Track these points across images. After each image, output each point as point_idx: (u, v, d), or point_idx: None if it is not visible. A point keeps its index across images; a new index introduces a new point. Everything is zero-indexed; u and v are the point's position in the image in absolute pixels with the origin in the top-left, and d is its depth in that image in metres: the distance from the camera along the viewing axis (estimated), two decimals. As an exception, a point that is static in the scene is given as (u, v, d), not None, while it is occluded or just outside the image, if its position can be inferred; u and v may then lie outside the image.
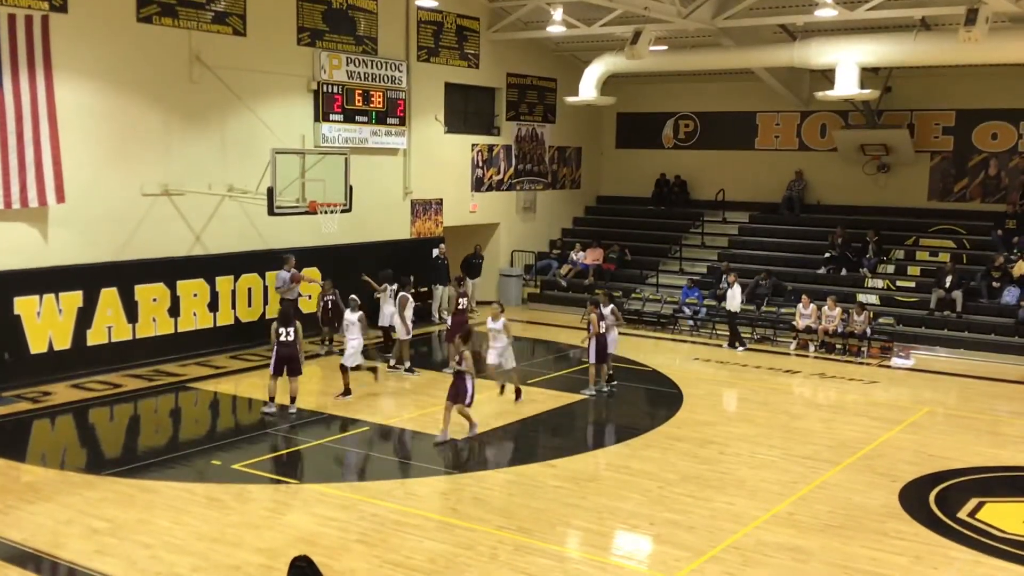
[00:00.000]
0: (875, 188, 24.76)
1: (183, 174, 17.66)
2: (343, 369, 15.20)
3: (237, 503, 10.86)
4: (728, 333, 20.74)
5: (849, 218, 24.25)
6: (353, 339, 15.18)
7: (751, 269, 22.87)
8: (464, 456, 12.89)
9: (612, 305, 16.64)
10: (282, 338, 14.22)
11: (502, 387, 15.56)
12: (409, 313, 17.22)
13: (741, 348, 20.36)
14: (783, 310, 21.33)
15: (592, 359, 15.95)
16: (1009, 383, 17.82)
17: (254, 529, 10.04)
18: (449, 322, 17.38)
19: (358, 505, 10.76)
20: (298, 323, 14.49)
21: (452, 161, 23.82)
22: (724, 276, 21.43)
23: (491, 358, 15.38)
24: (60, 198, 15.73)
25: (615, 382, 16.56)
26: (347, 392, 15.18)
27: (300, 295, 19.00)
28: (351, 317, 15.28)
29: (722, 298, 20.98)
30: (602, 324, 15.95)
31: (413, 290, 18.40)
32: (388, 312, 18.30)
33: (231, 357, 18.07)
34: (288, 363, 14.29)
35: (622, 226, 27.15)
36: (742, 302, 20.82)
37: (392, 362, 17.45)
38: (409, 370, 17.15)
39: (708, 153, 27.22)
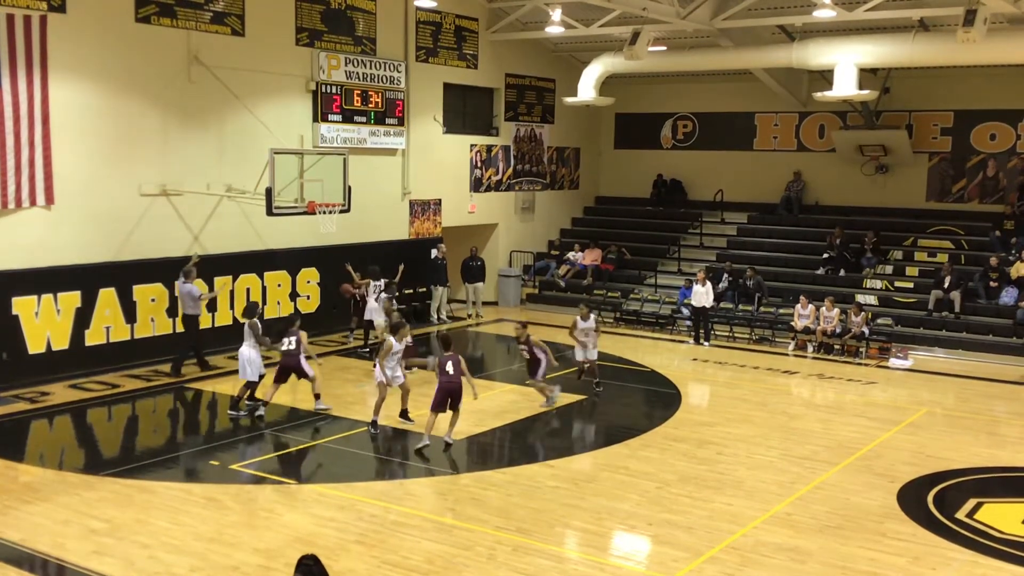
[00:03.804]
0: (873, 189, 24.77)
1: (181, 174, 17.65)
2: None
3: (235, 503, 10.86)
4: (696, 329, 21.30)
5: (847, 219, 24.26)
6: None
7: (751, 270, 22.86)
8: (453, 455, 12.89)
9: (594, 315, 16.55)
10: (284, 347, 14.22)
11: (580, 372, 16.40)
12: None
13: (693, 342, 20.94)
14: (781, 311, 21.34)
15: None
16: (1007, 383, 17.83)
17: (252, 529, 10.04)
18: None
19: (356, 505, 10.76)
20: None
21: (451, 161, 23.82)
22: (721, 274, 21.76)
23: (578, 355, 16.25)
24: (49, 199, 15.75)
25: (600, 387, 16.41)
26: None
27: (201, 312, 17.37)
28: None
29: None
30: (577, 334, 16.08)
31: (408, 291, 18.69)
32: (372, 307, 18.48)
33: (229, 357, 18.02)
34: (294, 371, 14.31)
35: (620, 227, 27.15)
36: (724, 298, 21.79)
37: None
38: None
39: (706, 154, 27.22)
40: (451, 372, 12.94)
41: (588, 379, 16.39)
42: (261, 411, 14.35)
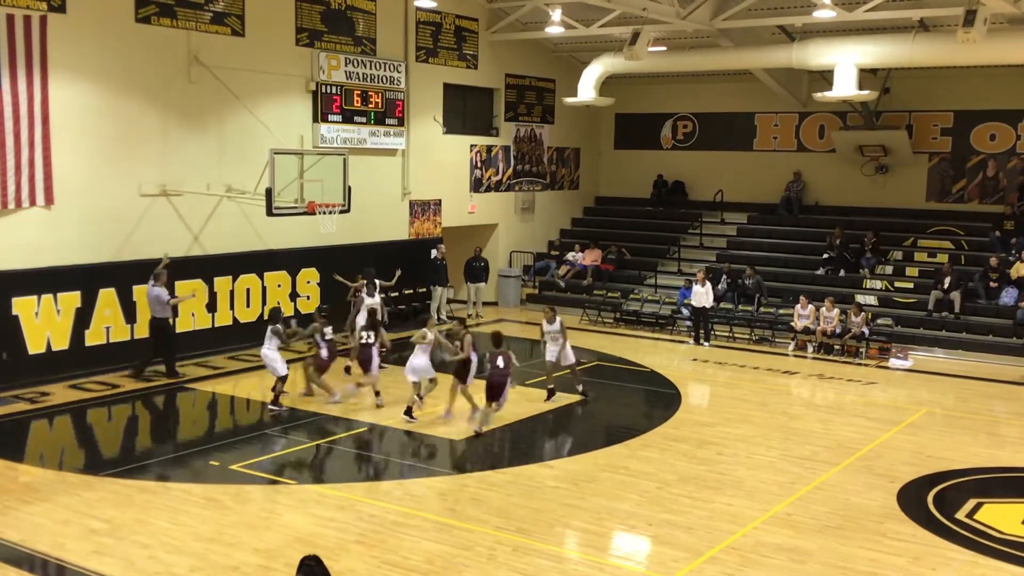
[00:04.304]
0: (873, 189, 24.77)
1: (181, 174, 17.65)
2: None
3: (235, 503, 10.86)
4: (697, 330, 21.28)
5: (847, 219, 24.26)
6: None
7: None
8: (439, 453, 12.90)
9: (559, 319, 16.00)
10: (363, 340, 15.09)
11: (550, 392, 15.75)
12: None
13: (693, 342, 21.03)
14: (781, 311, 21.35)
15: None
16: (1007, 384, 17.83)
17: (252, 530, 10.03)
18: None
19: (356, 505, 10.76)
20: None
21: (451, 162, 23.82)
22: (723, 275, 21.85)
23: (547, 355, 15.89)
24: (49, 199, 15.75)
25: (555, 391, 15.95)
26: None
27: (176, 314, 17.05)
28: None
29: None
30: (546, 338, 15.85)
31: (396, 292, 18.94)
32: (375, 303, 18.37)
33: (229, 358, 18.05)
34: (361, 363, 15.23)
35: (620, 227, 27.15)
36: (723, 299, 21.95)
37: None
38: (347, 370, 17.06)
39: (706, 154, 27.22)
40: (501, 366, 13.78)
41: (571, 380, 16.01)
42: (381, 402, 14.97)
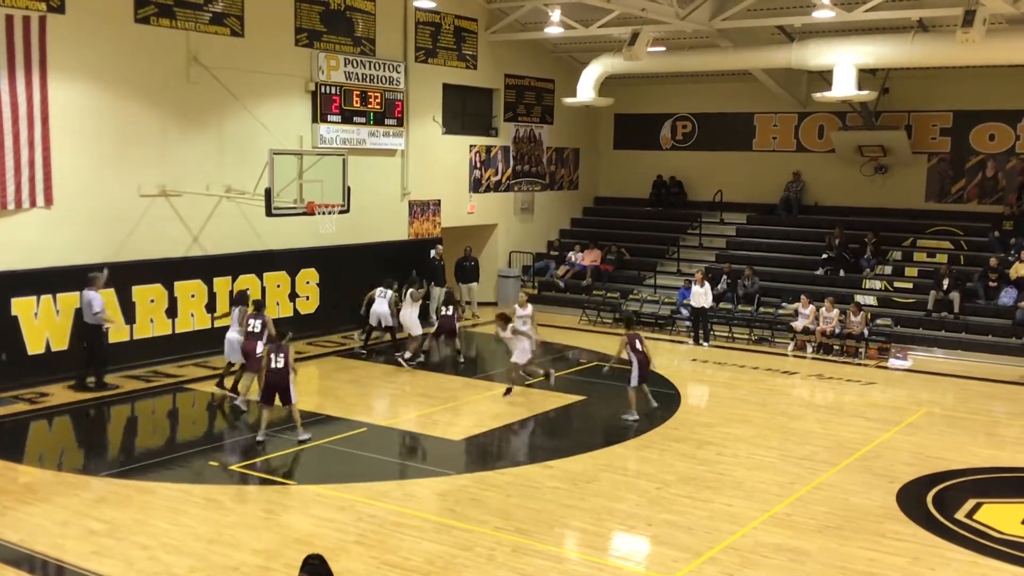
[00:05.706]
0: (873, 189, 24.78)
1: (181, 175, 17.65)
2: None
3: (235, 504, 10.86)
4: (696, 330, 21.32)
5: (847, 219, 24.26)
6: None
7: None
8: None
9: (530, 307, 16.49)
10: (272, 364, 12.91)
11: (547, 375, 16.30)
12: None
13: (692, 342, 21.10)
14: (780, 311, 21.35)
15: (635, 382, 14.89)
16: (1006, 384, 17.84)
17: (251, 530, 10.03)
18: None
19: (356, 506, 10.76)
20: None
21: (450, 162, 23.82)
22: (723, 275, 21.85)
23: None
24: (49, 200, 15.73)
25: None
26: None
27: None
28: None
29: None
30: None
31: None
32: (384, 312, 18.52)
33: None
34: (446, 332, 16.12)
35: (620, 227, 27.14)
36: (723, 299, 22.04)
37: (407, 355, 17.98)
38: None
39: (706, 154, 27.22)
40: (640, 348, 14.71)
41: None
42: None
